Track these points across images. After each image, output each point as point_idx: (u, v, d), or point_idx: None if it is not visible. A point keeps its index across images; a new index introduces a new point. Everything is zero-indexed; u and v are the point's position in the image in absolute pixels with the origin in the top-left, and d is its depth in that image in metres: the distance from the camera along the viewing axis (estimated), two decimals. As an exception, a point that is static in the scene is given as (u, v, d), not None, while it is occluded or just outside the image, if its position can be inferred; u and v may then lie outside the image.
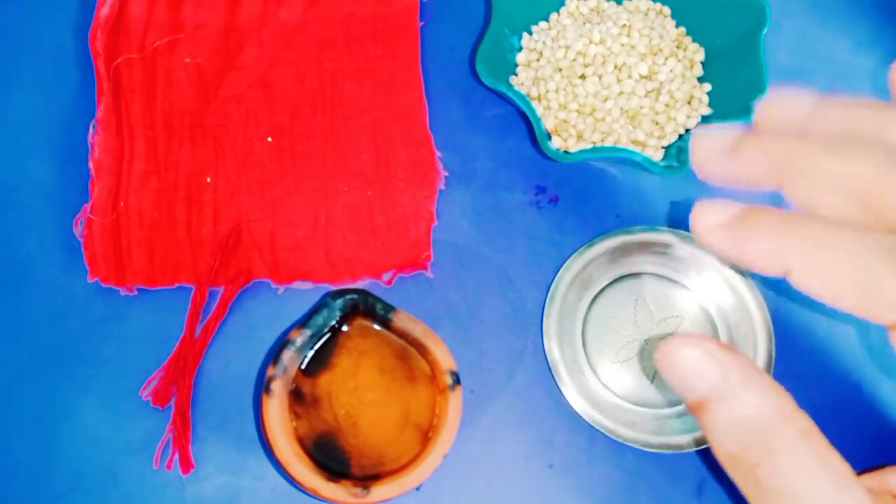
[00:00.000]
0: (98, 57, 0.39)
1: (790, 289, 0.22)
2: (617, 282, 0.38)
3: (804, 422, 0.22)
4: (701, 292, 0.38)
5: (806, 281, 0.21)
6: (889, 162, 0.21)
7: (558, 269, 0.38)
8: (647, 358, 0.37)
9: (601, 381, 0.37)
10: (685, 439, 0.35)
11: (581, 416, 0.36)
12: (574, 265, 0.38)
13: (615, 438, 0.35)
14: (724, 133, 0.24)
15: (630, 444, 0.35)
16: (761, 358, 0.36)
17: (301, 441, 0.32)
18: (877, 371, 0.38)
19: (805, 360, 0.38)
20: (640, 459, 0.36)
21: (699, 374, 0.22)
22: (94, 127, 0.39)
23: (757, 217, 0.22)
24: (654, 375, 0.37)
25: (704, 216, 0.23)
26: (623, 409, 0.36)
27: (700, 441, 0.35)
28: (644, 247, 0.38)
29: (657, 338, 0.37)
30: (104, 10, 0.40)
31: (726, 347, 0.23)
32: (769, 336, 0.37)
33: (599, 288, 0.38)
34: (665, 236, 0.38)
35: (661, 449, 0.35)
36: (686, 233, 0.38)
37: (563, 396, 0.36)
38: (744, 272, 0.37)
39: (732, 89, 0.38)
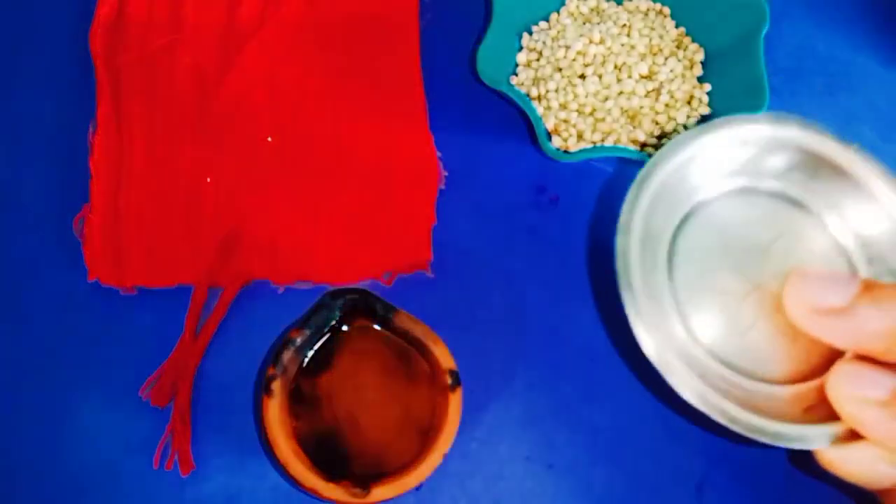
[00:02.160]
0: (98, 57, 0.39)
1: None
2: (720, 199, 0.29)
3: None
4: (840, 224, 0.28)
5: None
6: None
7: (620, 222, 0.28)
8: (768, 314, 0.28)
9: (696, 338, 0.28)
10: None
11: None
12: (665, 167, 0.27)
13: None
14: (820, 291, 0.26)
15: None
16: None
17: (301, 441, 0.32)
18: None
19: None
20: (639, 459, 0.36)
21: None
22: (94, 127, 0.39)
23: None
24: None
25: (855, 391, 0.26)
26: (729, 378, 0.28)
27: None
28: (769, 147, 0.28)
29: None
30: (104, 10, 0.40)
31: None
32: None
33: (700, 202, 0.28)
34: (811, 137, 0.28)
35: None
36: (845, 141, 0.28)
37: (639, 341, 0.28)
38: None
39: (732, 89, 0.38)
